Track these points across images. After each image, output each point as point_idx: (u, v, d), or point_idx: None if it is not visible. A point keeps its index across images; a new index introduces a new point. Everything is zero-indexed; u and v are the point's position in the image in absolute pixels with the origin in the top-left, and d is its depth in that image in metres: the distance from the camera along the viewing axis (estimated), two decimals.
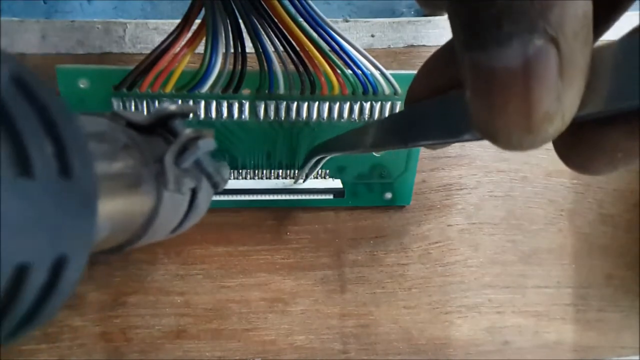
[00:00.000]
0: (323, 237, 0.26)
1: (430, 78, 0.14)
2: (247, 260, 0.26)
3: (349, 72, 0.21)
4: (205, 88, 0.21)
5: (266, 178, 0.24)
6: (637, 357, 0.30)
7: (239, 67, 0.20)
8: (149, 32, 0.24)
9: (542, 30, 0.08)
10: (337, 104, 0.23)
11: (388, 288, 0.27)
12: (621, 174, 0.28)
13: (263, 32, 0.19)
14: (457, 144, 0.26)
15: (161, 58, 0.20)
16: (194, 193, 0.14)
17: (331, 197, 0.25)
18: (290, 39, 0.20)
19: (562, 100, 0.08)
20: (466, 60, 0.09)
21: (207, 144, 0.13)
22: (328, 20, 0.20)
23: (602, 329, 0.29)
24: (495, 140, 0.09)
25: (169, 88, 0.21)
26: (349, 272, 0.27)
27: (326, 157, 0.22)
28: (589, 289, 0.29)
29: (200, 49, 0.20)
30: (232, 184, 0.24)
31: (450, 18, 0.09)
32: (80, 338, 0.25)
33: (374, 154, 0.25)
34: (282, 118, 0.23)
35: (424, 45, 0.25)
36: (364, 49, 0.21)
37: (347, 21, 0.25)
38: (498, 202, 0.27)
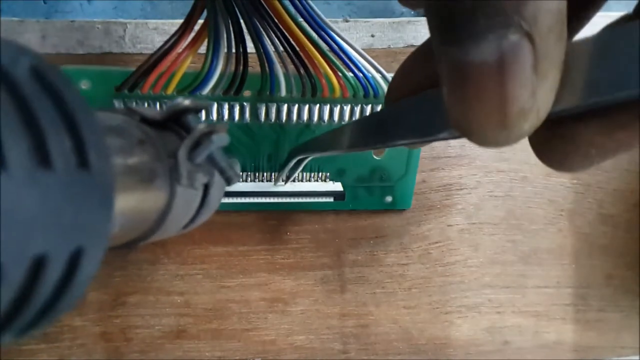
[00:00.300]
0: (323, 237, 0.26)
1: (408, 77, 0.14)
2: (247, 260, 0.26)
3: (349, 74, 0.21)
4: (206, 90, 0.21)
5: (267, 180, 0.24)
6: (637, 357, 0.30)
7: (241, 69, 0.20)
8: (149, 32, 0.24)
9: (517, 25, 0.08)
10: (338, 106, 0.23)
11: (388, 288, 0.27)
12: (621, 174, 0.28)
13: (264, 34, 0.19)
14: (457, 144, 0.26)
15: (163, 59, 0.20)
16: (206, 188, 0.14)
17: (332, 200, 0.25)
18: (292, 41, 0.20)
19: (536, 95, 0.08)
20: (442, 56, 0.09)
21: (221, 138, 0.13)
22: (329, 22, 0.20)
23: (602, 329, 0.29)
24: (470, 136, 0.09)
25: (170, 90, 0.21)
26: (349, 272, 0.27)
27: (307, 158, 0.22)
28: (589, 289, 0.29)
29: (202, 49, 0.20)
30: (233, 186, 0.24)
31: (427, 14, 0.09)
32: (80, 338, 0.25)
33: (374, 156, 0.25)
34: (283, 120, 0.23)
35: None
36: (364, 49, 0.21)
37: (347, 21, 0.25)
38: (498, 202, 0.27)
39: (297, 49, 0.20)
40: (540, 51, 0.08)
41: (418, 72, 0.13)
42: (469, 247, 0.27)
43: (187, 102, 0.13)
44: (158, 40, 0.24)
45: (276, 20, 0.19)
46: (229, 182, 0.14)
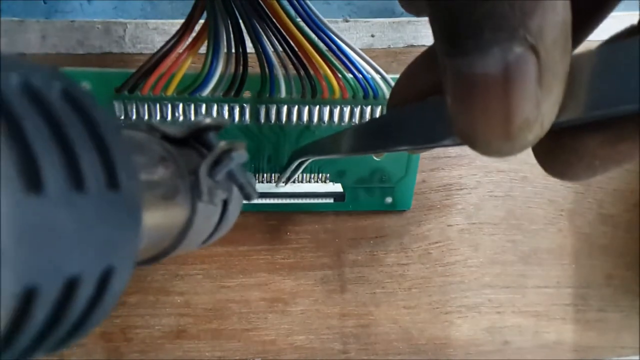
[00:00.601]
0: (323, 237, 0.26)
1: (412, 83, 0.14)
2: (247, 260, 0.26)
3: (349, 75, 0.21)
4: (206, 91, 0.21)
5: (267, 182, 0.24)
6: (637, 357, 0.30)
7: (240, 70, 0.20)
8: (149, 32, 0.24)
9: (522, 38, 0.08)
10: (338, 107, 0.23)
11: (388, 288, 0.27)
12: (621, 174, 0.28)
13: (264, 35, 0.19)
14: None
15: (163, 61, 0.20)
16: (225, 204, 0.15)
17: (332, 201, 0.25)
18: (291, 42, 0.20)
19: (541, 107, 0.08)
20: (447, 67, 0.09)
21: (240, 156, 0.13)
22: (328, 22, 0.20)
23: (602, 329, 0.29)
24: (474, 145, 0.09)
25: (170, 91, 0.21)
26: (349, 272, 0.27)
27: (307, 160, 0.22)
28: (589, 289, 0.29)
29: (202, 50, 0.20)
30: None
31: (431, 23, 0.09)
32: None
33: (374, 157, 0.25)
34: (283, 122, 0.23)
35: (423, 45, 0.25)
36: (364, 49, 0.21)
37: (347, 21, 0.25)
38: (498, 202, 0.27)
39: (297, 50, 0.20)
40: (545, 64, 0.08)
41: (422, 78, 0.13)
42: (469, 247, 0.27)
43: (208, 120, 0.14)
44: (158, 40, 0.24)
45: (275, 21, 0.19)
46: (248, 198, 0.14)
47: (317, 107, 0.23)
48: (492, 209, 0.27)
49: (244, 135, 0.23)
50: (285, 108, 0.23)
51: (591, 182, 0.28)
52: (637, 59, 0.07)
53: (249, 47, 0.20)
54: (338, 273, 0.27)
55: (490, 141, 0.09)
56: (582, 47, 0.11)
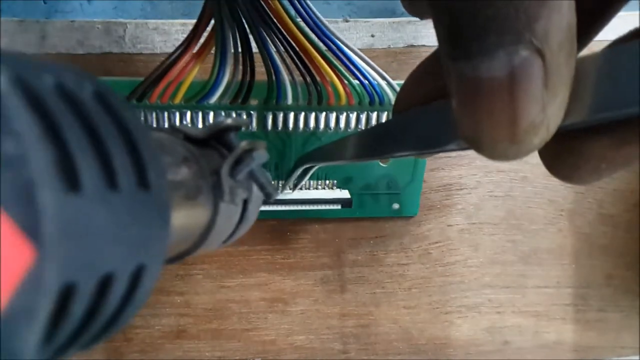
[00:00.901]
0: (323, 237, 0.26)
1: (417, 88, 0.14)
2: (247, 260, 0.26)
3: (355, 81, 0.22)
4: (213, 99, 0.21)
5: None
6: (637, 357, 0.30)
7: (247, 78, 0.21)
8: (149, 32, 0.24)
9: (527, 41, 0.08)
10: (344, 113, 0.23)
11: (388, 288, 0.27)
12: (621, 173, 0.28)
13: (270, 42, 0.20)
14: None
15: (170, 69, 0.20)
16: (245, 204, 0.15)
17: (339, 207, 0.25)
18: (298, 49, 0.20)
19: (547, 110, 0.08)
20: (452, 70, 0.09)
21: (261, 156, 0.13)
22: (329, 24, 0.20)
23: (602, 329, 0.29)
24: (480, 149, 0.09)
25: (178, 99, 0.21)
26: (349, 272, 0.27)
27: (314, 167, 0.22)
28: (589, 289, 0.29)
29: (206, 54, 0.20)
30: None
31: (435, 26, 0.09)
32: None
33: (381, 163, 0.25)
34: (290, 128, 0.23)
35: (423, 45, 0.25)
36: (364, 49, 0.21)
37: (347, 21, 0.25)
38: (498, 202, 0.27)
39: (303, 56, 0.20)
40: (551, 67, 0.08)
41: (426, 82, 0.13)
42: (469, 247, 0.27)
43: (229, 120, 0.14)
44: (158, 40, 0.24)
45: (282, 28, 0.19)
46: (269, 197, 0.15)
47: (324, 113, 0.23)
48: (492, 209, 0.27)
49: None
50: (291, 115, 0.23)
51: None
52: (639, 61, 0.07)
53: (256, 56, 0.20)
54: (338, 273, 0.27)
55: (496, 145, 0.09)
56: (584, 48, 0.11)
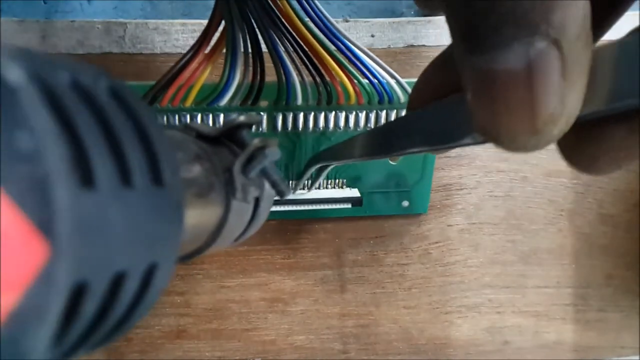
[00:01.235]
0: (323, 237, 0.26)
1: (429, 84, 0.14)
2: (247, 260, 0.26)
3: (365, 81, 0.22)
4: (224, 101, 0.21)
5: None
6: (637, 357, 0.30)
7: (258, 79, 0.21)
8: (149, 32, 0.24)
9: (544, 33, 0.08)
10: (354, 113, 0.23)
11: (388, 288, 0.27)
12: (621, 173, 0.28)
13: (280, 43, 0.20)
14: None
15: (181, 73, 0.20)
16: (257, 202, 0.15)
17: (349, 206, 0.25)
18: (307, 49, 0.20)
19: (565, 101, 0.08)
20: (466, 64, 0.09)
21: (273, 153, 0.13)
22: (342, 29, 0.20)
23: (602, 329, 0.29)
24: (499, 142, 0.09)
25: (189, 102, 0.21)
26: (349, 272, 0.27)
27: (329, 166, 0.22)
28: (589, 289, 0.29)
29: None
30: None
31: (448, 21, 0.09)
32: None
33: (390, 162, 0.25)
34: (300, 129, 0.23)
35: (423, 45, 0.25)
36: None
37: (347, 21, 0.25)
38: (498, 202, 0.27)
39: (313, 57, 0.20)
40: (568, 57, 0.08)
41: (439, 79, 0.13)
42: (469, 247, 0.27)
43: (242, 117, 0.14)
44: (158, 40, 0.24)
45: (291, 29, 0.19)
46: (281, 195, 0.15)
47: (333, 113, 0.23)
48: (492, 209, 0.27)
49: None
50: (301, 115, 0.23)
51: (591, 182, 0.28)
52: None
53: (266, 57, 0.20)
54: (338, 273, 0.27)
55: (516, 136, 0.09)
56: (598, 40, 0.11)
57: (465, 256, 0.28)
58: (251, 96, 0.21)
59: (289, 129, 0.23)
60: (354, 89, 0.22)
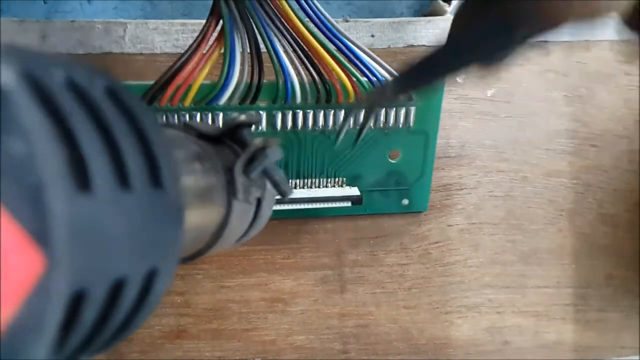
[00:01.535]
0: (323, 237, 0.26)
1: (467, 10, 0.14)
2: (247, 260, 0.26)
3: (363, 79, 0.22)
4: (223, 100, 0.21)
5: None
6: (637, 357, 0.30)
7: (256, 78, 0.21)
8: (149, 32, 0.24)
9: None
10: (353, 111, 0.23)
11: (388, 288, 0.27)
12: (621, 174, 0.28)
13: (278, 42, 0.20)
14: (457, 144, 0.26)
15: (180, 72, 0.20)
16: (259, 202, 0.15)
17: (349, 204, 0.25)
18: (305, 48, 0.20)
19: None
20: None
21: (275, 153, 0.13)
22: (343, 30, 0.20)
23: (602, 329, 0.29)
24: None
25: (188, 102, 0.21)
26: (349, 272, 0.27)
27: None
28: (589, 289, 0.29)
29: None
30: None
31: None
32: None
33: (390, 160, 0.25)
34: (299, 127, 0.23)
35: (424, 45, 0.25)
36: None
37: (347, 21, 0.25)
38: (498, 202, 0.27)
39: (311, 55, 0.20)
40: None
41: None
42: (469, 247, 0.27)
43: (242, 116, 0.14)
44: (158, 40, 0.24)
45: (289, 28, 0.19)
46: (283, 195, 0.14)
47: (332, 111, 0.23)
48: (492, 209, 0.27)
49: None
50: (300, 114, 0.23)
51: (591, 182, 0.28)
52: None
53: (264, 56, 0.20)
54: (338, 273, 0.27)
55: None
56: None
57: (465, 256, 0.28)
58: (250, 95, 0.21)
59: (289, 127, 0.23)
60: (352, 87, 0.21)
